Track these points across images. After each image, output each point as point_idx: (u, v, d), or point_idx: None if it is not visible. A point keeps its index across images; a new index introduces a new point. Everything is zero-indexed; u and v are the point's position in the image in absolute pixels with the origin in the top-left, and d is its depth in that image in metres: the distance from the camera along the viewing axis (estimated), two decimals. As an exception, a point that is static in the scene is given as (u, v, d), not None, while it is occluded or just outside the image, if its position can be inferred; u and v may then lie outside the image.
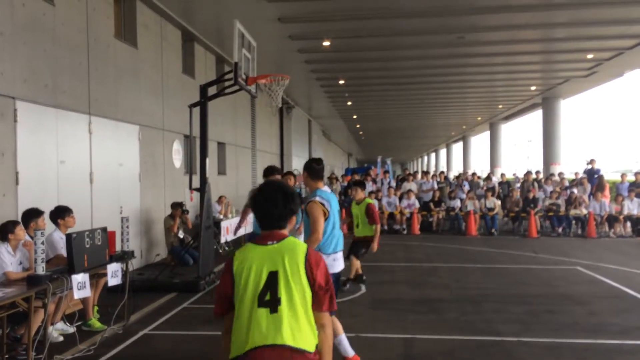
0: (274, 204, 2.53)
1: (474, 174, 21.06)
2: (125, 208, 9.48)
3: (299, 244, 2.52)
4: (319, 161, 4.99)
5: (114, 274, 5.88)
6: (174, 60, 12.03)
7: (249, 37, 8.87)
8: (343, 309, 5.87)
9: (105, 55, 9.09)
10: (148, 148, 10.58)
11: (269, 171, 6.80)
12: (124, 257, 6.27)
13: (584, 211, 15.45)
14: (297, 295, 2.38)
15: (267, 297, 2.37)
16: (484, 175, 21.28)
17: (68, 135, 7.89)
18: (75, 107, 8.12)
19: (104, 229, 5.91)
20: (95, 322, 6.20)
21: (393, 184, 19.26)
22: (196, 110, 8.64)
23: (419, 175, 19.75)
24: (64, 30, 7.88)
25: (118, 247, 6.64)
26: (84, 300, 6.04)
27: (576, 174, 19.56)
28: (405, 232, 16.14)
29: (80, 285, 5.21)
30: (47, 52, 7.50)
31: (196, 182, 8.70)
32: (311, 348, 2.38)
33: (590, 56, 16.33)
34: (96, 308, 6.47)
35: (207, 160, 8.71)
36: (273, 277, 2.39)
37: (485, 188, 17.55)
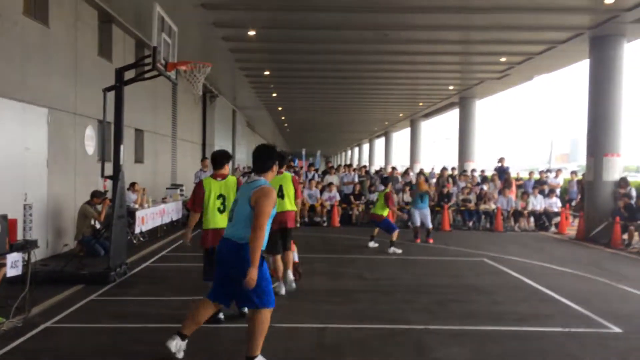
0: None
1: (393, 169, 21.64)
2: (31, 195, 8.96)
3: None
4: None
5: (13, 264, 5.56)
6: (89, 41, 11.47)
7: (169, 21, 8.61)
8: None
9: (12, 32, 8.52)
10: (58, 132, 10.04)
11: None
12: (25, 246, 5.95)
13: (493, 206, 16.30)
14: None
15: None
16: (403, 170, 21.92)
17: (-34, 116, 7.35)
18: (-24, 86, 7.58)
19: (4, 217, 5.57)
20: (-7, 315, 5.84)
21: (316, 177, 19.43)
22: (111, 95, 8.29)
23: (342, 169, 20.01)
24: (-37, 2, 7.32)
25: (20, 236, 6.27)
26: (-21, 292, 5.67)
27: (482, 171, 20.59)
28: (325, 224, 16.35)
29: (-25, 276, 4.89)
30: (-56, 25, 6.94)
31: (109, 170, 8.37)
32: None
33: (503, 59, 17.19)
34: (-6, 300, 6.09)
35: (122, 147, 8.39)
36: None
37: (403, 183, 18.09)
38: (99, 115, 10.50)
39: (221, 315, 5.91)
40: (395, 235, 11.51)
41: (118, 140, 8.35)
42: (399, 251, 11.30)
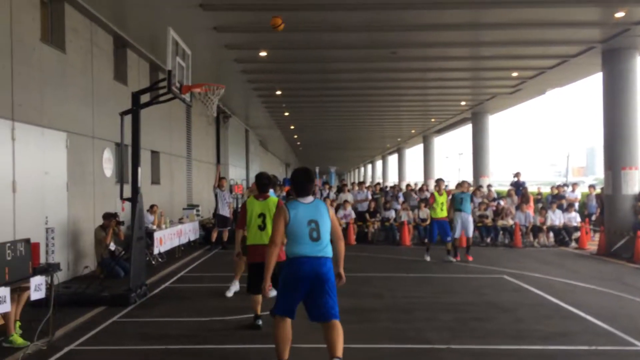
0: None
1: (407, 186, 21.59)
2: (52, 219, 9.07)
3: None
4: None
5: (37, 287, 5.60)
6: (105, 66, 11.68)
7: (183, 45, 8.76)
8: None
9: (30, 58, 8.71)
10: (76, 156, 10.19)
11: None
12: (48, 269, 6.01)
13: (511, 222, 16.17)
14: None
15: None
16: (419, 186, 21.85)
17: (-11, 142, 7.49)
18: (-3, 113, 7.73)
19: (27, 241, 5.64)
20: (17, 338, 5.87)
21: (331, 195, 19.45)
22: (128, 118, 8.41)
23: (355, 187, 19.99)
24: (-14, 31, 7.50)
25: (42, 260, 6.34)
26: (4, 316, 5.71)
27: (489, 186, 20.46)
28: (341, 242, 16.26)
29: (0, 300, 4.94)
30: (-33, 54, 7.12)
31: (128, 192, 8.46)
32: None
33: (515, 74, 17.19)
34: (18, 323, 6.12)
35: (140, 169, 8.49)
36: None
37: (418, 199, 18.03)
38: (116, 138, 10.67)
39: (260, 322, 6.53)
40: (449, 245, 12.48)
41: (136, 162, 8.45)
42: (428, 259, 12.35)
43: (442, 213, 12.65)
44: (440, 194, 12.75)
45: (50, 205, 9.18)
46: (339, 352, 4.73)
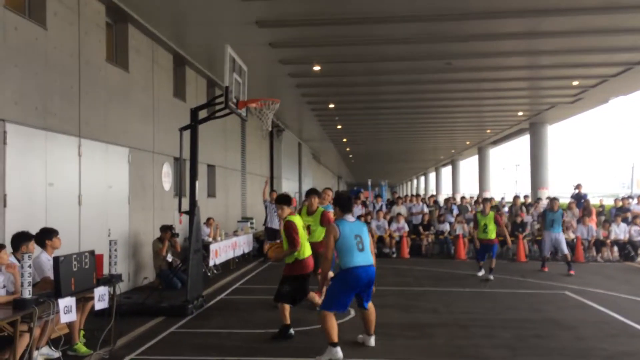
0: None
1: (462, 198, 21.17)
2: (114, 231, 9.43)
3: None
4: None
5: (101, 297, 5.82)
6: (165, 83, 12.10)
7: (239, 61, 8.97)
8: (332, 333, 5.89)
9: (96, 78, 9.14)
10: (137, 170, 10.57)
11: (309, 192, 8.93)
12: (111, 280, 6.23)
13: (572, 235, 15.55)
14: None
15: None
16: (476, 199, 21.39)
17: (57, 158, 7.89)
18: (65, 130, 8.14)
19: (92, 252, 5.87)
20: (81, 347, 6.12)
21: (384, 207, 19.32)
22: (186, 133, 8.67)
23: (409, 199, 19.79)
24: (55, 54, 7.94)
25: (106, 271, 6.59)
26: (70, 325, 5.96)
27: (525, 197, 19.77)
28: (394, 255, 16.14)
29: (67, 310, 5.16)
30: (39, 75, 7.54)
31: (185, 205, 8.70)
32: None
33: (575, 83, 16.64)
34: (82, 332, 6.39)
35: (197, 183, 8.72)
36: None
37: (473, 212, 17.62)
38: (175, 152, 11.00)
39: (292, 331, 6.83)
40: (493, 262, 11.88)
41: (193, 176, 8.68)
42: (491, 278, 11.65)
43: (485, 235, 11.92)
44: (485, 214, 11.98)
45: (113, 218, 9.55)
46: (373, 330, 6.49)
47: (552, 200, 13.25)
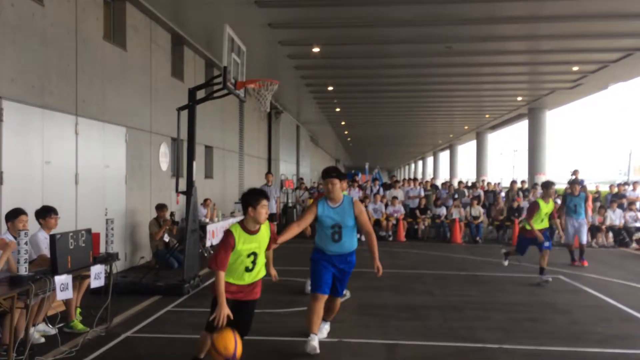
0: None
1: (460, 183, 21.20)
2: (111, 210, 9.44)
3: None
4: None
5: (97, 275, 5.85)
6: (163, 63, 12.01)
7: (238, 41, 8.90)
8: (327, 314, 5.93)
9: (94, 56, 9.07)
10: (135, 150, 10.55)
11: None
12: (108, 259, 6.26)
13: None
14: None
15: None
16: (476, 182, 21.43)
17: (54, 136, 7.86)
18: (62, 108, 8.10)
19: (89, 231, 5.88)
20: (78, 324, 6.16)
21: (381, 191, 19.32)
22: (184, 114, 8.64)
23: (406, 183, 19.77)
24: (52, 30, 7.86)
25: (102, 249, 6.61)
26: (66, 302, 6.00)
27: (522, 182, 19.64)
28: (391, 238, 16.21)
29: (63, 287, 5.18)
30: (36, 53, 7.48)
31: (183, 185, 8.70)
32: None
33: (575, 68, 16.58)
34: (79, 310, 6.43)
35: (194, 164, 8.71)
36: None
37: (470, 196, 17.69)
38: (172, 132, 10.98)
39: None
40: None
41: (191, 157, 8.67)
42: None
43: (542, 224, 9.64)
44: (547, 202, 9.57)
45: (109, 197, 9.55)
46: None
47: (573, 183, 12.07)
